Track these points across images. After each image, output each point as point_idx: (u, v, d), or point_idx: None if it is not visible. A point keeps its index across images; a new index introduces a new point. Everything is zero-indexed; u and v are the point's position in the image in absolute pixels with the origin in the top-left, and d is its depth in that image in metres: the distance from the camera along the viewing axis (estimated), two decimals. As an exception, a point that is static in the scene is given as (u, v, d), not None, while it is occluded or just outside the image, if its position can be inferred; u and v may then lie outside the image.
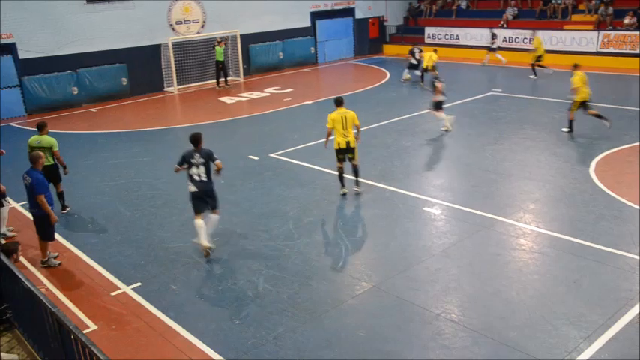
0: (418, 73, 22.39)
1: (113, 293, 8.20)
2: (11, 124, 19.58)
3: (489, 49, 25.62)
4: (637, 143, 13.45)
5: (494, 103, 18.63)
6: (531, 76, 22.08)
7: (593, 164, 12.27)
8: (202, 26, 25.00)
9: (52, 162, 10.81)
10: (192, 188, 9.03)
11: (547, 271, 8.21)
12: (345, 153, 11.04)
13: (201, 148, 9.15)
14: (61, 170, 11.03)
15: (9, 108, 20.22)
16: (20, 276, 5.84)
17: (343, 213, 10.70)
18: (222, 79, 24.10)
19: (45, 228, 8.92)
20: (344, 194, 11.32)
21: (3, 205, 10.18)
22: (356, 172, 11.33)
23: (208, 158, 9.08)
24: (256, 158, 14.03)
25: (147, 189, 12.44)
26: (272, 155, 14.06)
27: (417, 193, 11.30)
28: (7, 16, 19.78)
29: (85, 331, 7.09)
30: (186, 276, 8.59)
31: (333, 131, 10.97)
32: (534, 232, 9.38)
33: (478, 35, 28.02)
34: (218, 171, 9.15)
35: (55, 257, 9.20)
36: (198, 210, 9.10)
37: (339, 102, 11.04)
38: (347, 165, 11.27)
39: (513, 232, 9.38)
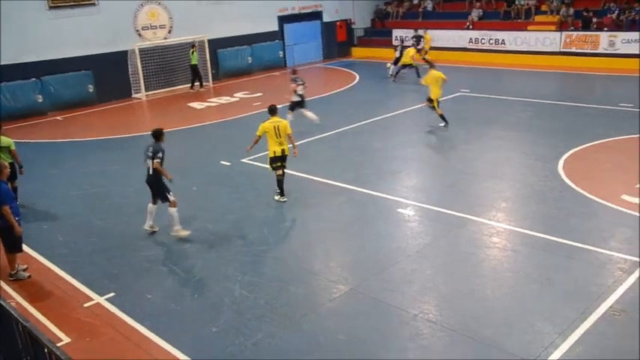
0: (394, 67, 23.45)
1: (86, 304, 8.03)
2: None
3: (418, 50, 26.49)
4: (602, 140, 13.77)
5: (462, 104, 18.87)
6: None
7: (561, 162, 12.51)
8: (169, 31, 24.75)
9: (10, 160, 11.18)
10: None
11: (520, 268, 8.34)
12: (280, 161, 11.14)
13: (158, 143, 9.86)
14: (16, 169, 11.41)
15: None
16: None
17: (317, 216, 10.69)
18: (197, 83, 24.23)
19: (11, 239, 8.68)
20: (284, 201, 11.30)
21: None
22: (280, 183, 11.35)
23: (154, 154, 9.66)
24: (228, 164, 13.94)
25: (118, 197, 12.25)
26: (244, 160, 13.97)
27: (389, 194, 11.36)
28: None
29: (58, 344, 6.95)
30: (161, 285, 8.48)
31: (267, 140, 11.08)
32: (506, 230, 9.52)
33: (445, 37, 28.35)
34: (159, 170, 9.70)
35: (24, 270, 8.99)
36: (152, 198, 10.00)
37: (272, 111, 11.20)
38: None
39: (486, 231, 9.50)
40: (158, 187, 9.85)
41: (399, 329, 7.04)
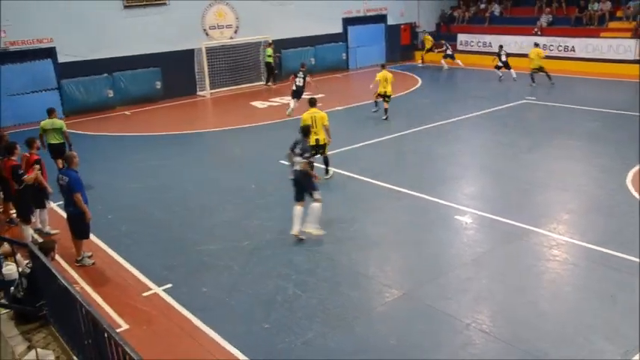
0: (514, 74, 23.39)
1: (145, 294, 8.29)
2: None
3: (445, 56, 28.00)
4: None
5: (527, 112, 18.39)
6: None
7: (630, 175, 11.99)
8: (235, 31, 25.23)
9: (62, 140, 12.77)
10: (290, 175, 9.95)
11: (581, 283, 8.06)
12: (314, 149, 11.72)
13: (305, 140, 10.03)
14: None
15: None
16: (56, 274, 5.95)
17: (374, 219, 10.65)
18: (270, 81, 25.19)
19: (80, 226, 9.09)
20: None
21: (45, 207, 10.46)
22: (326, 161, 12.55)
23: (302, 153, 9.73)
24: (287, 163, 14.02)
25: (178, 191, 12.58)
26: (303, 160, 14.06)
27: (448, 200, 11.19)
28: (47, 21, 20.28)
29: (117, 330, 7.21)
30: (216, 279, 8.65)
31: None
32: (568, 243, 9.20)
33: (512, 42, 27.70)
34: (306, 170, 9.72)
35: (89, 257, 9.36)
36: (296, 197, 9.82)
37: (311, 103, 12.42)
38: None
39: (547, 243, 9.22)
40: (308, 183, 9.72)
41: (451, 337, 6.93)
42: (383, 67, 18.79)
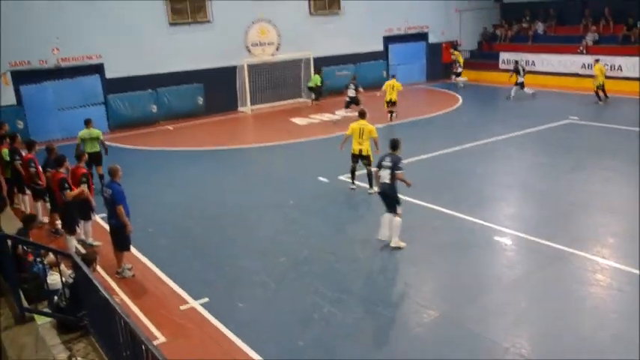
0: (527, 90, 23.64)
1: (182, 307, 8.39)
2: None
3: (456, 74, 28.17)
4: None
5: (570, 131, 18.02)
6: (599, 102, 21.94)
7: (679, 199, 11.60)
8: (277, 48, 25.56)
9: (99, 149, 13.81)
10: (378, 188, 10.28)
11: (626, 310, 7.78)
12: (358, 158, 12.90)
13: (396, 153, 10.14)
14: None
15: (94, 124, 21.19)
16: (97, 285, 6.08)
17: (412, 238, 10.55)
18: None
19: (121, 238, 9.29)
20: (352, 189, 13.17)
21: (90, 218, 10.74)
22: (370, 176, 12.79)
23: (394, 165, 9.88)
24: (326, 180, 14.11)
25: (217, 206, 12.74)
26: (341, 178, 14.10)
27: (488, 221, 11.02)
28: (96, 38, 20.95)
29: (154, 342, 7.30)
30: (252, 294, 8.70)
31: (351, 138, 12.93)
32: (612, 268, 8.93)
33: (555, 61, 27.29)
34: (402, 180, 9.90)
35: (129, 269, 9.54)
36: (387, 208, 10.08)
37: (361, 115, 13.13)
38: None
39: (590, 267, 8.97)
40: (394, 197, 9.96)
41: (489, 362, 6.79)
42: (393, 77, 21.27)
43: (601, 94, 21.83)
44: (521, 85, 23.63)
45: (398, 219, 9.89)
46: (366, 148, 12.73)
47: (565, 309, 7.85)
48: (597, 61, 22.69)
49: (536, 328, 7.46)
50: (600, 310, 7.81)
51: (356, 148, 12.78)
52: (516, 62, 24.51)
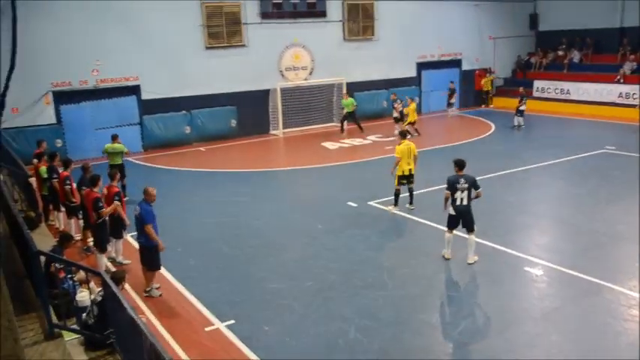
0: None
1: (207, 328, 8.40)
2: (129, 158, 20.94)
3: (449, 104, 28.08)
4: None
5: (607, 161, 17.66)
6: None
7: None
8: (310, 73, 25.81)
9: (121, 162, 14.89)
10: (452, 211, 10.28)
11: (663, 347, 7.51)
12: (407, 179, 13.18)
13: (466, 174, 10.34)
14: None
15: (129, 144, 21.48)
16: (125, 304, 6.14)
17: (440, 267, 10.43)
18: (350, 127, 24.63)
19: (150, 257, 9.36)
20: (394, 213, 13.19)
21: (122, 237, 10.90)
22: (411, 193, 13.41)
23: (471, 185, 10.18)
24: (355, 205, 14.08)
25: (247, 228, 12.80)
26: (371, 203, 14.06)
27: (518, 251, 10.82)
28: (134, 60, 21.50)
29: (179, 364, 7.33)
30: (279, 318, 8.67)
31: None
32: (649, 303, 8.65)
33: (591, 90, 26.93)
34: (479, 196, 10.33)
35: (157, 288, 9.62)
36: (451, 226, 10.44)
37: (403, 135, 13.60)
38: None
39: (625, 302, 8.70)
40: (470, 216, 10.27)
41: (518, 396, 6.61)
42: (412, 99, 23.11)
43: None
44: (521, 113, 23.91)
45: (473, 237, 10.32)
46: (413, 167, 13.17)
47: (598, 344, 7.62)
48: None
49: (567, 363, 7.25)
50: (635, 347, 7.55)
51: (406, 168, 13.06)
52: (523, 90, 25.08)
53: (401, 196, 13.41)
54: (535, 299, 8.98)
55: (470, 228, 10.29)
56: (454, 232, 10.47)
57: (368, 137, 23.12)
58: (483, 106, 30.18)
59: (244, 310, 8.95)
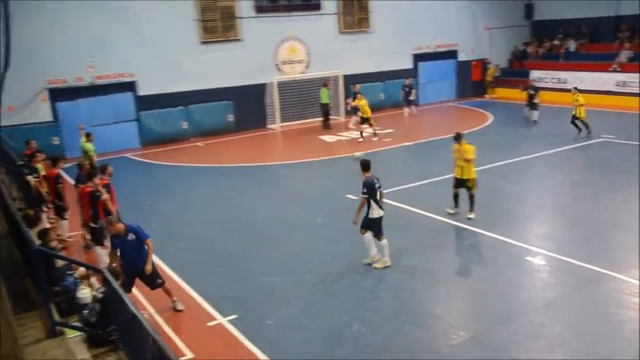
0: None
1: (210, 323, 8.38)
2: (126, 155, 20.89)
3: (408, 102, 25.78)
4: None
5: (605, 150, 17.65)
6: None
7: None
8: (307, 66, 25.73)
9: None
10: (378, 213, 9.74)
11: (667, 334, 7.51)
12: (460, 183, 12.04)
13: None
14: None
15: (126, 140, 21.66)
16: (126, 301, 6.10)
17: (442, 258, 10.41)
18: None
19: (154, 275, 8.81)
20: (450, 213, 12.23)
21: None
22: (473, 199, 12.08)
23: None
24: (354, 198, 13.99)
25: (246, 223, 12.76)
26: (370, 195, 14.00)
27: (519, 241, 10.80)
28: (130, 56, 21.39)
29: (182, 359, 7.30)
30: (281, 311, 8.64)
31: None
32: (651, 291, 8.65)
33: (588, 79, 26.87)
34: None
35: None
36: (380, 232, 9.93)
37: (456, 138, 12.04)
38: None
39: (628, 290, 8.69)
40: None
41: (523, 386, 6.60)
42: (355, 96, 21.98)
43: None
44: (535, 106, 22.55)
45: (385, 241, 9.91)
46: (467, 172, 11.90)
47: (602, 333, 7.61)
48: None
49: (570, 353, 7.23)
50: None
51: (458, 171, 12.00)
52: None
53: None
54: (537, 289, 8.97)
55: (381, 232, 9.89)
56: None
57: (366, 130, 23.02)
58: (487, 96, 29.96)
59: (246, 304, 8.92)
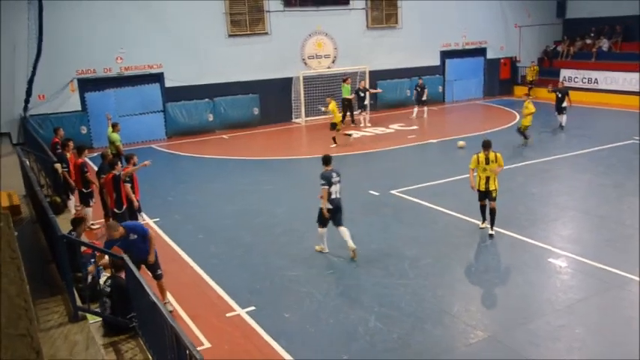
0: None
1: (228, 314, 8.47)
2: (152, 145, 21.14)
3: (419, 102, 24.71)
4: None
5: (634, 152, 17.31)
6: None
7: None
8: (333, 61, 25.71)
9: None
10: (328, 205, 10.20)
11: (690, 341, 7.37)
12: (485, 194, 11.24)
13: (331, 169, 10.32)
14: None
15: (152, 131, 21.93)
16: (146, 288, 6.20)
17: (462, 257, 10.35)
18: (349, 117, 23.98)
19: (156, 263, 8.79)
20: (481, 228, 11.49)
21: (138, 220, 11.02)
22: (493, 212, 11.24)
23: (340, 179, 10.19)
24: (377, 194, 14.02)
25: (268, 216, 12.83)
26: (393, 192, 13.99)
27: (542, 242, 10.69)
28: (158, 48, 21.63)
29: (199, 348, 7.37)
30: (299, 305, 8.69)
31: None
32: (676, 297, 8.49)
33: (620, 79, 26.36)
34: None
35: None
36: (324, 224, 10.38)
37: (485, 146, 11.16)
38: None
39: (651, 295, 8.56)
40: (342, 210, 10.41)
41: (539, 388, 6.55)
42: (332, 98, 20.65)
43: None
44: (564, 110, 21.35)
45: (345, 228, 10.31)
46: (493, 182, 11.11)
47: (623, 338, 7.50)
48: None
49: (591, 356, 7.15)
50: (661, 341, 7.43)
51: (482, 184, 11.16)
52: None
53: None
54: (559, 291, 8.86)
55: (341, 222, 10.33)
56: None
57: (391, 126, 22.98)
58: (529, 97, 29.02)
59: (265, 297, 8.99)
